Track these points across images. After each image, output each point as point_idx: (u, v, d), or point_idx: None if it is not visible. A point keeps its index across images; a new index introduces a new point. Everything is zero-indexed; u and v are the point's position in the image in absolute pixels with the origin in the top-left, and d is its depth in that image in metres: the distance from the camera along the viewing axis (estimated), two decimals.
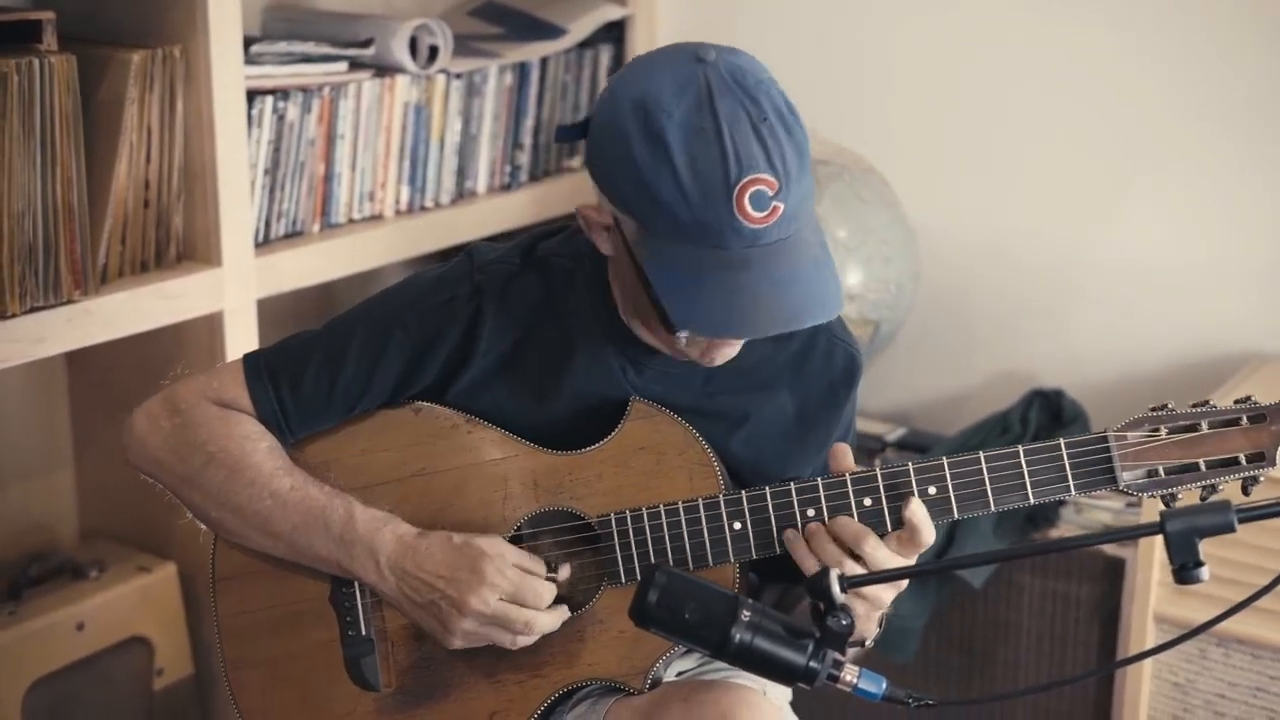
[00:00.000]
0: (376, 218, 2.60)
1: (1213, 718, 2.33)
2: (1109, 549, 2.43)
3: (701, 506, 1.64)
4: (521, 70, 2.75)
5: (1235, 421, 1.58)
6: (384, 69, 2.54)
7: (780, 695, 1.77)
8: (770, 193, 1.48)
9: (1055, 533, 2.49)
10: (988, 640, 2.54)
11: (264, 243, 2.42)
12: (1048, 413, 2.69)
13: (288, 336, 1.74)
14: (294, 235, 2.48)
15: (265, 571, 1.72)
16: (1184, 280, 2.69)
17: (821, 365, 1.74)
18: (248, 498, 1.66)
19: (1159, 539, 1.39)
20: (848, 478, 1.61)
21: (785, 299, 1.50)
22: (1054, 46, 2.75)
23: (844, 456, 1.63)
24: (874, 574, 1.57)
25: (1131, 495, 1.59)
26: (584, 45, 2.87)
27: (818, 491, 1.62)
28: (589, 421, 1.68)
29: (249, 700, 1.75)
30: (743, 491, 1.64)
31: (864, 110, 2.92)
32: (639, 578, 1.62)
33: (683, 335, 1.57)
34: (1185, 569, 1.40)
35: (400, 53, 2.52)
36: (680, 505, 1.64)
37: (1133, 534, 1.46)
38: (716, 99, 1.49)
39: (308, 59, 2.41)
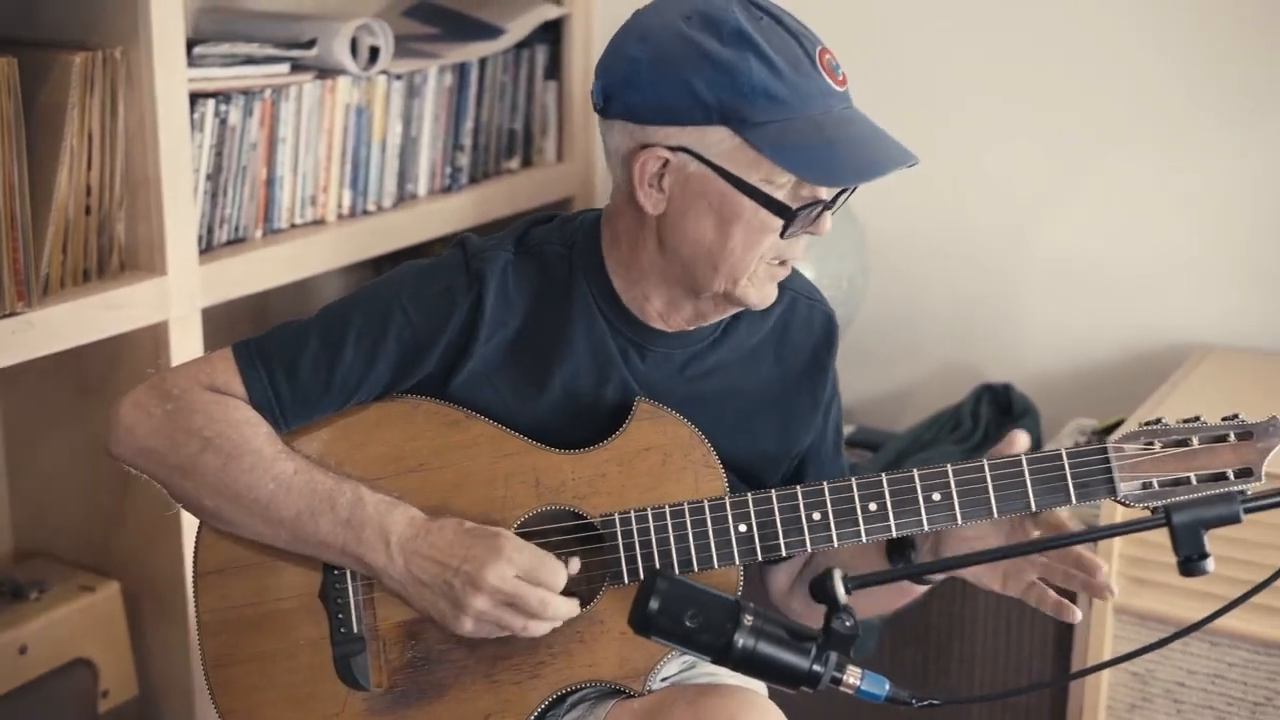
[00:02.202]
0: (319, 222, 2.54)
1: (1171, 706, 2.35)
2: None
3: (707, 508, 1.62)
4: (461, 71, 2.71)
5: (1224, 438, 1.61)
6: (325, 71, 2.49)
7: (762, 690, 1.75)
8: (836, 60, 1.59)
9: None
10: (942, 635, 2.54)
11: (207, 249, 2.36)
12: (997, 407, 2.70)
13: (276, 326, 1.68)
14: (237, 241, 2.42)
15: (251, 566, 1.67)
16: (1127, 274, 2.72)
17: (803, 332, 1.76)
18: (247, 484, 1.60)
19: None
20: (853, 482, 1.61)
21: (888, 144, 1.58)
22: (995, 45, 2.77)
23: (1016, 441, 1.64)
24: (877, 574, 1.55)
25: (1128, 506, 1.61)
26: (520, 45, 2.83)
27: (823, 495, 1.61)
28: (591, 413, 1.66)
29: (230, 700, 1.68)
30: (749, 494, 1.62)
31: None
32: (641, 580, 1.60)
33: (796, 226, 1.58)
34: (1190, 561, 1.41)
35: (342, 54, 2.47)
36: (685, 506, 1.62)
37: (1137, 528, 1.46)
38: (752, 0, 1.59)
39: (251, 60, 2.35)
